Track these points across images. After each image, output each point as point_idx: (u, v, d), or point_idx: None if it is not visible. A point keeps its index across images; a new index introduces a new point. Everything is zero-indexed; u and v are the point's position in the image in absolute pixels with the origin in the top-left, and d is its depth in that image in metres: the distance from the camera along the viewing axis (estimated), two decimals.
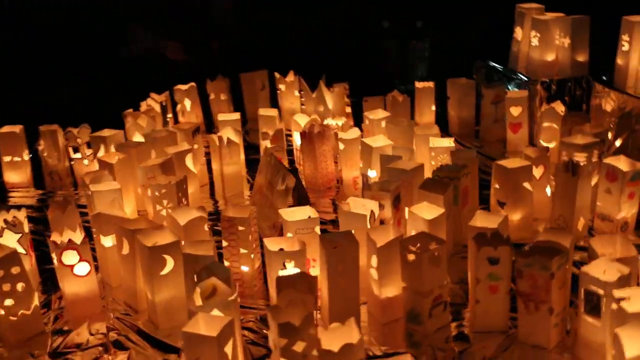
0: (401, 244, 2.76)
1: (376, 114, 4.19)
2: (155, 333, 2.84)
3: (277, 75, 5.10)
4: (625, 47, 4.14)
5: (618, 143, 3.78)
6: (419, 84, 4.73)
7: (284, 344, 2.15)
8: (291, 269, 2.77)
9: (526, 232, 3.41)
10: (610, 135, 3.89)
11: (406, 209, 3.19)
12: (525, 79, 4.67)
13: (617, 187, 3.33)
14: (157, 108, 4.62)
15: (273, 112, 4.36)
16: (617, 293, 2.35)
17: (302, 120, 4.23)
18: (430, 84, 4.71)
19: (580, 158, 3.55)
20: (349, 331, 2.21)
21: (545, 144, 4.13)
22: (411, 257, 2.73)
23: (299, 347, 2.15)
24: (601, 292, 2.45)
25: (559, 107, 4.12)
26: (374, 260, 2.81)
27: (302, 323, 2.22)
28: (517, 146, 4.42)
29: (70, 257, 2.95)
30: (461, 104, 4.70)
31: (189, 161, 3.83)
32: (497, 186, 3.43)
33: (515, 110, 4.39)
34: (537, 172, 3.51)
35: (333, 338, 2.15)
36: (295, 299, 2.42)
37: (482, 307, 2.78)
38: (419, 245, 2.77)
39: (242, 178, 4.13)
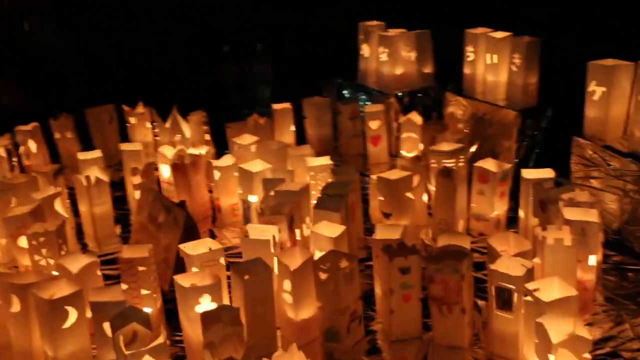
0: (314, 264, 2.79)
1: (244, 139, 4.17)
2: None
3: (125, 108, 4.93)
4: (471, 57, 4.49)
5: (473, 148, 4.06)
6: (276, 106, 4.79)
7: None
8: (208, 304, 2.69)
9: (412, 239, 3.55)
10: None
11: (300, 230, 3.24)
12: (376, 93, 4.89)
13: (490, 188, 3.59)
14: (2, 152, 4.30)
15: (137, 146, 4.21)
16: (529, 286, 2.53)
17: (168, 152, 4.13)
18: (288, 105, 4.78)
19: (449, 164, 3.77)
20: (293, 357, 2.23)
21: (406, 154, 4.35)
22: (324, 276, 2.77)
23: None
24: (512, 286, 2.63)
25: (416, 118, 4.35)
26: (287, 284, 2.82)
27: (244, 357, 2.21)
28: (378, 159, 4.62)
29: None
30: (319, 122, 4.81)
31: (58, 205, 3.60)
32: (381, 198, 3.55)
33: (374, 124, 4.58)
34: (415, 180, 3.68)
35: None
36: (229, 334, 2.38)
37: (397, 316, 2.87)
38: (329, 264, 2.82)
39: (112, 217, 3.95)
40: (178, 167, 3.94)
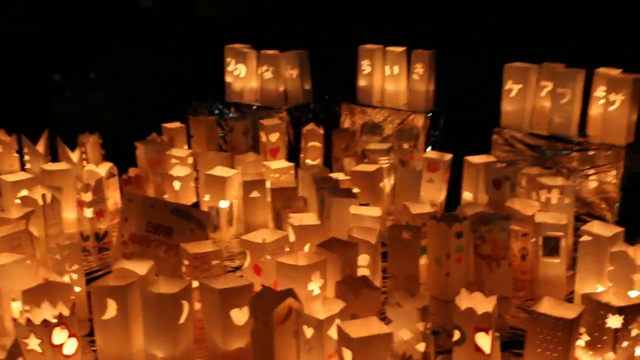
0: None
1: (180, 152, 4.24)
2: None
3: None
4: (367, 70, 5.04)
5: (406, 145, 4.61)
6: (169, 125, 4.78)
7: None
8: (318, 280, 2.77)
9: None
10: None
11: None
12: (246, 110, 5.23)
13: (438, 175, 4.14)
14: None
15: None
16: (584, 227, 3.14)
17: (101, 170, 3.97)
18: (181, 125, 4.81)
19: (383, 162, 4.25)
20: None
21: (311, 162, 4.70)
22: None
23: None
24: (560, 234, 3.22)
25: (318, 129, 4.74)
26: None
27: None
28: None
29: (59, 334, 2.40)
30: (208, 140, 4.90)
31: None
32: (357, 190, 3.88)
33: (273, 137, 4.83)
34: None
35: None
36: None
37: (452, 278, 3.23)
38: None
39: None
40: (130, 180, 3.81)
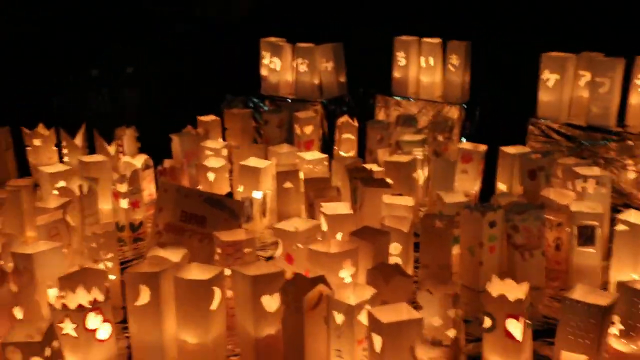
0: None
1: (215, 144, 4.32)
2: None
3: (25, 130, 4.57)
4: (402, 62, 5.05)
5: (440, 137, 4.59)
6: (203, 118, 4.84)
7: None
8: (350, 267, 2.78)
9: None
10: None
11: None
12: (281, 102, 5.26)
13: (473, 166, 4.12)
14: None
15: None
16: (620, 216, 3.10)
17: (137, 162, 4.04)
18: (214, 117, 4.86)
19: (417, 153, 4.24)
20: None
21: (344, 154, 4.71)
22: None
23: None
24: (596, 223, 3.18)
25: (352, 121, 4.75)
26: None
27: None
28: None
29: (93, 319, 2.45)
30: (243, 133, 4.95)
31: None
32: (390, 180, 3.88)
33: (307, 129, 4.86)
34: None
35: None
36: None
37: (484, 267, 3.22)
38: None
39: None
40: (166, 172, 3.88)
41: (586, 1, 5.06)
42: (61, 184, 3.78)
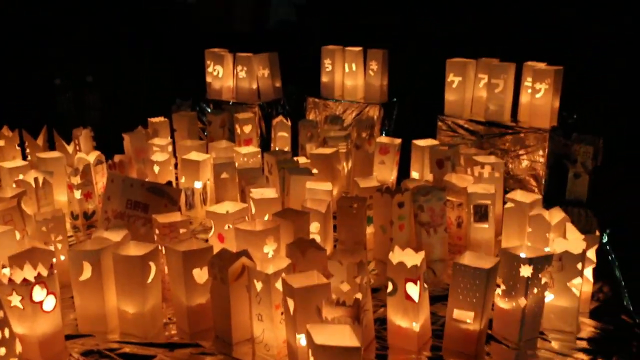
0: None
1: (160, 141, 4.25)
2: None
3: None
4: (329, 68, 5.07)
5: (364, 134, 4.61)
6: (153, 120, 4.78)
7: None
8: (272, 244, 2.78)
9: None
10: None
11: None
12: (229, 104, 5.23)
13: (390, 158, 4.17)
14: None
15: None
16: (508, 195, 3.18)
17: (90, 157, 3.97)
18: (164, 119, 4.81)
19: (341, 147, 4.26)
20: None
21: (280, 149, 4.70)
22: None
23: None
24: (489, 202, 3.25)
25: (287, 121, 4.76)
26: None
27: None
28: None
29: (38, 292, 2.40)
30: (189, 133, 4.91)
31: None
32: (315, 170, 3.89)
33: (247, 128, 4.84)
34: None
35: None
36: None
37: (395, 243, 3.24)
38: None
39: None
40: (115, 166, 3.82)
41: (484, 15, 5.16)
42: (20, 178, 3.69)
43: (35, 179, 3.49)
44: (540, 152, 4.10)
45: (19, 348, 2.25)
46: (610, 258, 3.23)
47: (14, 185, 3.60)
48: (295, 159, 3.90)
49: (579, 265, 2.49)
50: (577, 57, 4.52)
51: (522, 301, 2.43)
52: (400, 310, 2.45)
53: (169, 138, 4.80)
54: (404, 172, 4.23)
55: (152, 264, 2.56)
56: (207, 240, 3.32)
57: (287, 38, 5.62)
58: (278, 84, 5.37)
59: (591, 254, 2.64)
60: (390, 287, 2.46)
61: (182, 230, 2.90)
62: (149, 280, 2.55)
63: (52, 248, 2.86)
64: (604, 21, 4.87)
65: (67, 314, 2.71)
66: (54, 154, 4.04)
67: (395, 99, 5.07)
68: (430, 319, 2.56)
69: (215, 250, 2.57)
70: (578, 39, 4.95)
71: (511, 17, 5.13)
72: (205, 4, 6.93)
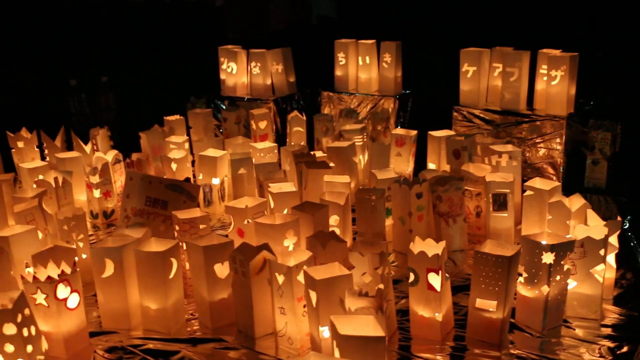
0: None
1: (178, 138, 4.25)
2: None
3: (10, 134, 4.48)
4: (343, 62, 5.05)
5: (379, 127, 4.60)
6: (169, 118, 4.79)
7: None
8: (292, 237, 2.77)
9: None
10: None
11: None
12: (244, 101, 5.21)
13: (405, 150, 4.14)
14: None
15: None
16: (527, 183, 3.14)
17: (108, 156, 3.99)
18: (180, 117, 4.82)
19: (357, 140, 4.24)
20: None
21: (295, 143, 4.68)
22: None
23: None
24: (507, 191, 3.22)
25: (301, 116, 4.74)
26: None
27: None
28: None
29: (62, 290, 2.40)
30: (205, 130, 4.90)
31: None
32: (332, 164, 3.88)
33: (262, 124, 4.84)
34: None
35: None
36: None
37: (414, 234, 3.22)
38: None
39: None
40: (133, 164, 3.83)
41: (497, 4, 5.12)
42: (40, 178, 3.71)
43: (55, 179, 3.50)
44: (558, 140, 4.06)
45: (45, 345, 2.25)
46: (632, 244, 3.19)
47: (34, 186, 3.61)
48: (312, 152, 3.88)
49: (602, 252, 2.46)
50: (592, 43, 4.46)
51: (545, 289, 2.40)
52: (422, 301, 2.44)
53: (185, 135, 4.80)
54: (420, 164, 4.20)
55: (173, 259, 2.56)
56: (226, 236, 3.33)
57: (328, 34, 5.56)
58: (292, 79, 5.36)
59: (613, 239, 2.60)
60: (411, 278, 2.44)
61: (202, 226, 2.90)
62: (171, 276, 2.55)
63: (74, 247, 2.87)
64: (620, 4, 4.81)
65: (90, 312, 2.72)
66: (73, 154, 4.06)
67: (409, 91, 5.04)
68: (452, 309, 2.54)
69: (236, 245, 2.57)
70: (593, 24, 4.89)
71: (524, 5, 5.07)
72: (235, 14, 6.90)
